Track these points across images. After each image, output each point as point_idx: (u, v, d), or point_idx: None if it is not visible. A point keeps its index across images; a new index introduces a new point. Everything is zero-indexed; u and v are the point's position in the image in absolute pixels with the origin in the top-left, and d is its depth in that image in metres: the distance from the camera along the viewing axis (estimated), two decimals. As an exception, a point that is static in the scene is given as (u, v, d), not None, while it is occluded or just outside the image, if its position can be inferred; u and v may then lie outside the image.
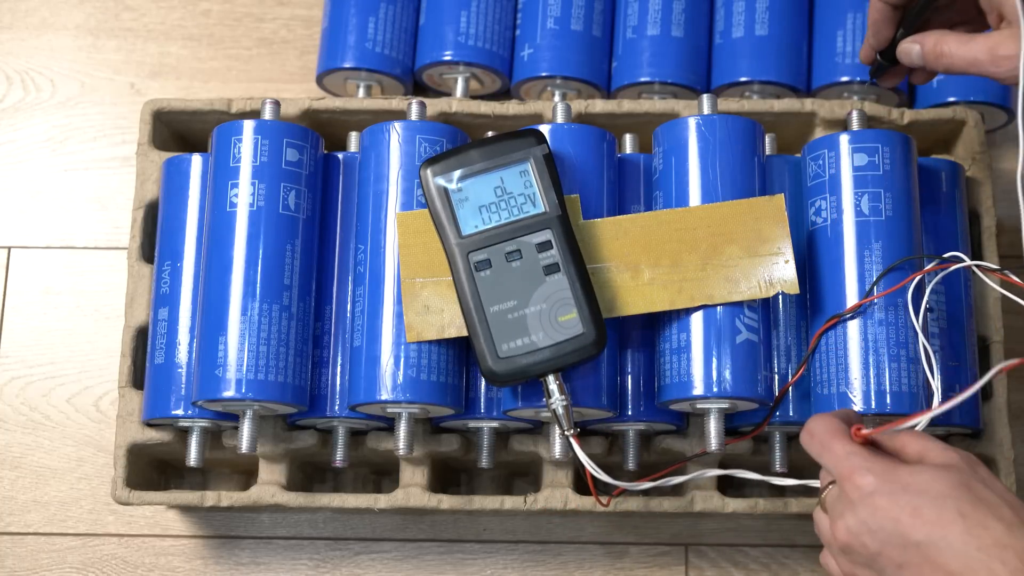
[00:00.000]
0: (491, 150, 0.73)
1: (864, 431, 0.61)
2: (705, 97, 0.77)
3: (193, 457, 0.78)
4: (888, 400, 0.72)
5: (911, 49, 0.70)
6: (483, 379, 0.76)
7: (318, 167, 0.78)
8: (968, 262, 0.73)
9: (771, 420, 0.76)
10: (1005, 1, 0.65)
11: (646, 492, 0.77)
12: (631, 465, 0.78)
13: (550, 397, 0.70)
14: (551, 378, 0.70)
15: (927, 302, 0.73)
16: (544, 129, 0.76)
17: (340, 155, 0.81)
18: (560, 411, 0.70)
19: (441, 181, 0.72)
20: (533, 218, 0.71)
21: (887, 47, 0.73)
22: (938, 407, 0.61)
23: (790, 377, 0.76)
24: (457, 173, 0.72)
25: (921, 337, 0.72)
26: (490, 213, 0.72)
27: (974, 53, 0.67)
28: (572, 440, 0.70)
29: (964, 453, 0.61)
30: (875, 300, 0.73)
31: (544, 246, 0.71)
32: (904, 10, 0.71)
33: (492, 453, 0.78)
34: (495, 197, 0.72)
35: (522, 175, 0.72)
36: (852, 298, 0.73)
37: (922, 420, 0.61)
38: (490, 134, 0.84)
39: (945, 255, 0.73)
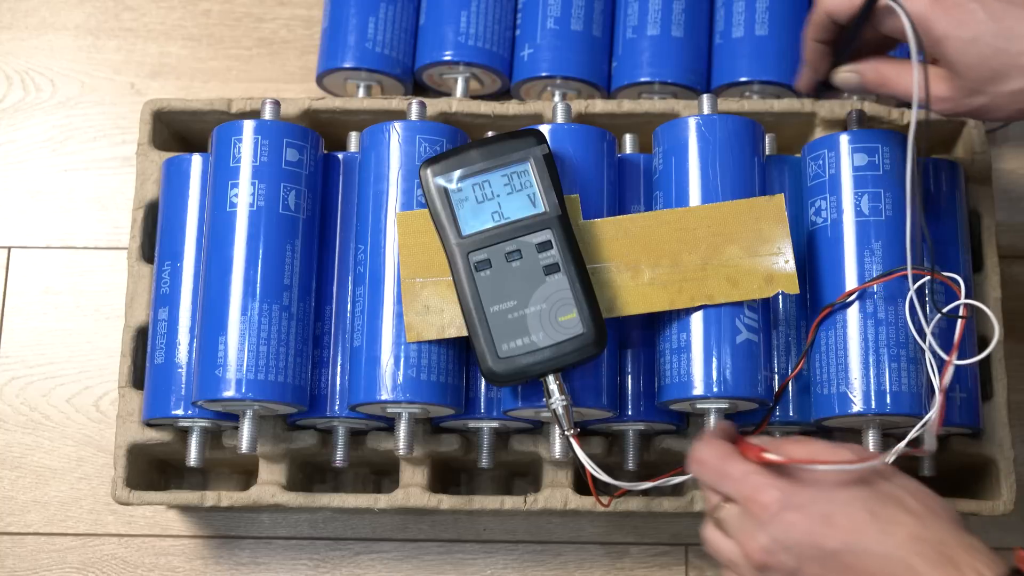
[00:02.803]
0: (491, 150, 0.73)
1: (766, 455, 0.60)
2: (705, 97, 0.77)
3: (193, 457, 0.78)
4: (888, 400, 0.72)
5: (849, 78, 0.72)
6: (483, 379, 0.76)
7: (318, 167, 0.78)
8: (963, 298, 0.73)
9: (771, 420, 0.76)
10: (940, 46, 0.66)
11: (646, 492, 0.77)
12: (631, 465, 0.78)
13: (550, 397, 0.70)
14: (551, 378, 0.70)
15: (930, 313, 0.73)
16: (544, 129, 0.76)
17: (340, 155, 0.81)
18: (560, 411, 0.70)
19: (441, 181, 0.72)
20: (533, 218, 0.71)
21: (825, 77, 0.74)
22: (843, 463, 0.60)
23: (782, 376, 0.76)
24: (457, 173, 0.72)
25: (929, 351, 0.72)
26: (490, 213, 0.72)
27: (911, 86, 0.68)
28: (572, 440, 0.70)
29: (852, 446, 0.61)
30: (875, 300, 0.73)
31: (544, 246, 0.71)
32: (834, 44, 0.72)
33: (492, 453, 0.78)
34: (495, 197, 0.72)
35: (522, 175, 0.72)
36: (852, 297, 0.73)
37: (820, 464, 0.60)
38: (490, 134, 0.84)
39: (947, 274, 0.73)
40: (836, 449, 0.60)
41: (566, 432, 0.70)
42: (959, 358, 0.77)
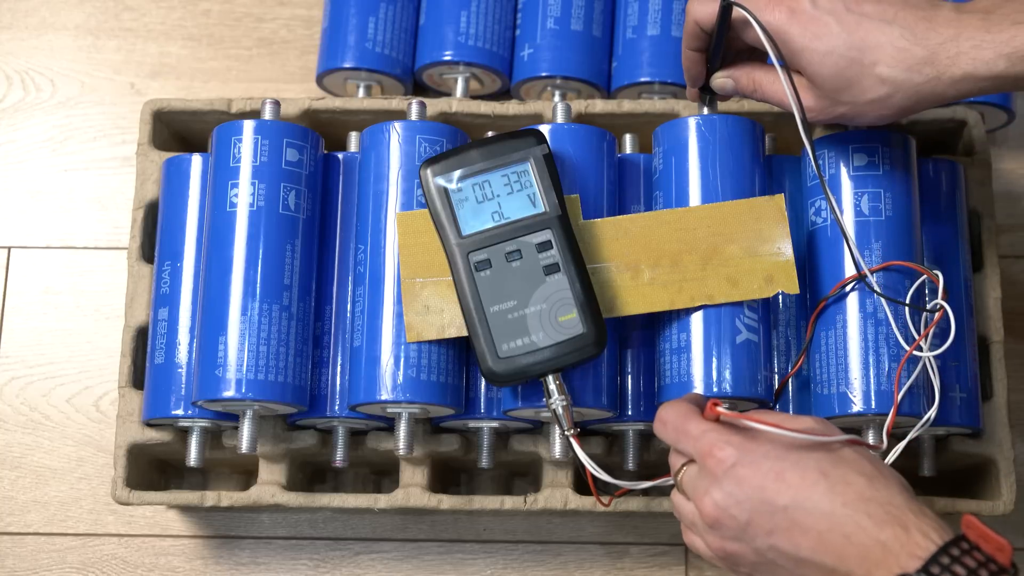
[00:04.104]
0: (491, 150, 0.72)
1: (720, 408, 0.61)
2: (705, 97, 0.77)
3: (193, 457, 0.78)
4: (888, 400, 0.72)
5: (725, 84, 0.73)
6: (483, 379, 0.76)
7: (318, 167, 0.78)
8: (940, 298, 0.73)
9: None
10: (798, 58, 0.67)
11: (646, 492, 0.77)
12: (631, 465, 0.78)
13: (550, 397, 0.70)
14: (551, 378, 0.70)
15: (926, 312, 0.73)
16: (544, 129, 0.76)
17: (340, 155, 0.81)
18: (560, 411, 0.69)
19: (441, 181, 0.72)
20: (533, 218, 0.71)
21: (705, 83, 0.75)
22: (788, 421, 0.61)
23: (789, 376, 0.76)
24: (457, 173, 0.72)
25: (900, 336, 0.72)
26: (490, 213, 0.72)
27: (780, 96, 0.70)
28: (572, 440, 0.70)
29: (817, 418, 0.62)
30: (875, 300, 0.73)
31: (544, 246, 0.71)
32: (708, 52, 0.73)
33: (492, 453, 0.78)
34: (495, 197, 0.72)
35: (522, 175, 0.72)
36: (852, 298, 0.73)
37: (771, 426, 0.60)
38: (490, 134, 0.84)
39: (935, 271, 0.73)
40: (798, 418, 0.61)
41: (566, 432, 0.70)
42: (959, 358, 0.77)
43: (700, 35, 0.71)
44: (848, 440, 0.61)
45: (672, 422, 0.64)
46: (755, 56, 0.73)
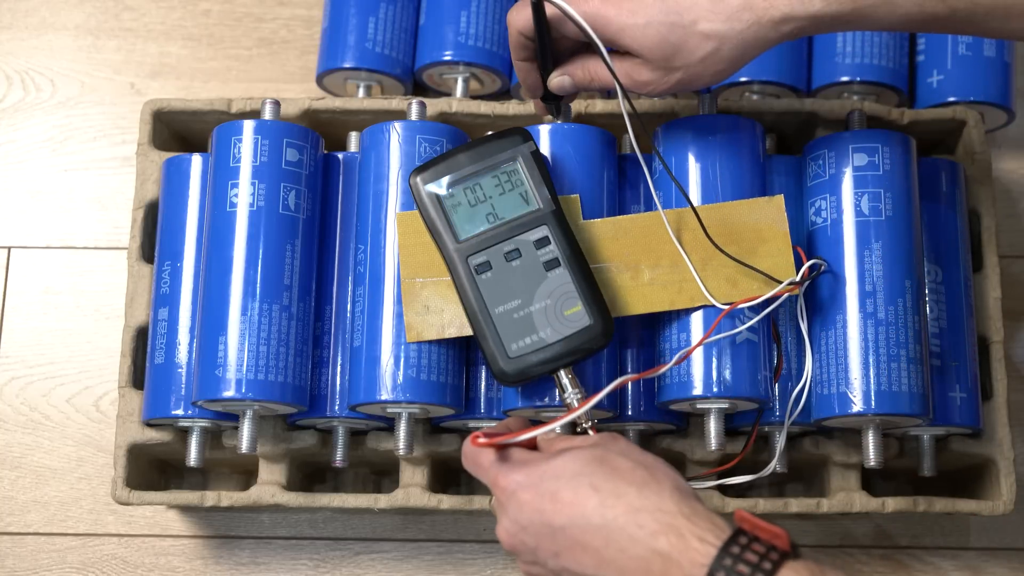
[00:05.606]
0: (478, 152, 0.72)
1: (481, 440, 0.63)
2: (705, 97, 0.77)
3: (193, 457, 0.78)
4: (888, 400, 0.72)
5: (563, 82, 0.73)
6: (483, 379, 0.76)
7: (318, 167, 0.78)
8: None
9: (771, 420, 0.76)
10: (620, 38, 0.67)
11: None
12: (631, 465, 0.78)
13: (564, 392, 0.69)
14: (563, 372, 0.69)
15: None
16: (544, 129, 0.76)
17: (340, 155, 0.81)
18: (576, 405, 0.68)
19: (432, 188, 0.72)
20: (528, 216, 0.71)
21: (545, 91, 0.74)
22: (572, 413, 0.65)
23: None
24: (447, 179, 0.72)
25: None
26: (485, 215, 0.71)
27: (618, 77, 0.69)
28: (591, 433, 0.69)
29: (607, 433, 0.63)
30: (875, 301, 0.73)
31: (542, 242, 0.71)
32: (539, 60, 0.73)
33: (492, 453, 0.78)
34: (487, 199, 0.72)
35: (512, 174, 0.72)
36: (852, 298, 0.73)
37: (554, 426, 0.63)
38: (489, 135, 0.84)
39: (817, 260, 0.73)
40: (588, 437, 0.64)
41: (584, 425, 0.69)
42: (959, 358, 0.77)
43: (525, 43, 0.71)
44: (600, 435, 0.63)
45: (468, 455, 0.65)
46: (587, 50, 0.72)
